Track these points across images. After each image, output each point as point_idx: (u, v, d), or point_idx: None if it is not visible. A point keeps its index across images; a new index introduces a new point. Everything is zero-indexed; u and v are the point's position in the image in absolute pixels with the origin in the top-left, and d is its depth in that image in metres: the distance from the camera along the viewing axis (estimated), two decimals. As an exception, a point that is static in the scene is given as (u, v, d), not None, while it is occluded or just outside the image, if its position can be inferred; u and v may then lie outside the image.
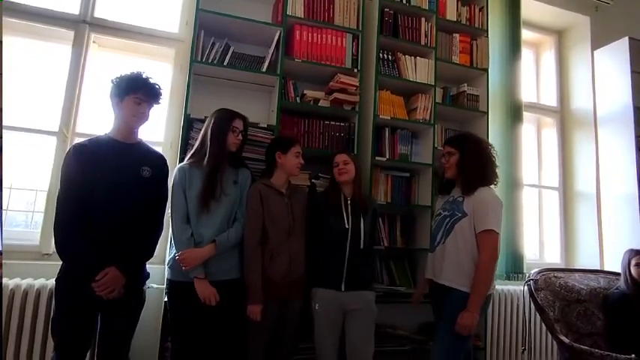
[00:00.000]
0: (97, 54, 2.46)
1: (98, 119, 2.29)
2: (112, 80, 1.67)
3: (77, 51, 2.34)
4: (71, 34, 2.35)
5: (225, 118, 1.85)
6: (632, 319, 2.21)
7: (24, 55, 2.35)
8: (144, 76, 1.68)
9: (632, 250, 2.36)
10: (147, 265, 1.75)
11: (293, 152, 1.95)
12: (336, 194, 2.02)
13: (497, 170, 1.92)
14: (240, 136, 1.88)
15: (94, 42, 2.43)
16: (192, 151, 1.87)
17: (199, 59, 2.23)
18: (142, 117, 1.68)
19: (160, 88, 1.71)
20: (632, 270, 2.30)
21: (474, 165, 1.85)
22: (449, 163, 1.93)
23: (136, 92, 1.64)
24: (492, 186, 1.90)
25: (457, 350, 1.76)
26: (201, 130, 1.90)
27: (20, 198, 2.29)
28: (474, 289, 1.72)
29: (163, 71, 2.53)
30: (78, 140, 1.75)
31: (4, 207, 2.11)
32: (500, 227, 1.79)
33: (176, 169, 1.83)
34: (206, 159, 1.78)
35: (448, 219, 1.86)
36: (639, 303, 2.23)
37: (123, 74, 1.67)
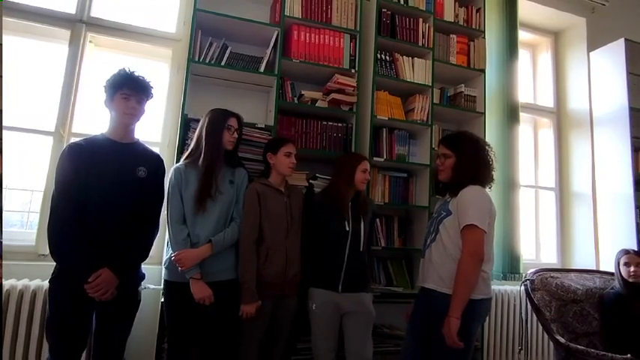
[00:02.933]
0: (93, 53, 2.45)
1: (95, 119, 2.27)
2: (104, 84, 1.67)
3: (73, 50, 2.33)
4: (67, 33, 2.34)
5: (220, 117, 1.85)
6: (627, 318, 2.22)
7: (19, 55, 2.33)
8: (127, 71, 1.67)
9: (622, 250, 2.38)
10: (144, 266, 1.74)
11: (283, 152, 1.95)
12: (340, 196, 1.99)
13: (493, 173, 1.81)
14: (235, 134, 1.87)
15: (90, 41, 2.41)
16: (187, 152, 1.86)
17: (197, 59, 2.23)
18: (133, 112, 1.66)
19: (144, 79, 1.69)
20: (622, 270, 2.32)
21: (468, 169, 1.74)
22: (444, 166, 1.81)
23: (121, 88, 1.63)
24: (486, 188, 1.78)
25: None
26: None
27: (16, 198, 2.28)
28: (454, 290, 1.59)
29: (161, 71, 2.52)
30: (74, 140, 1.73)
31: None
32: (484, 223, 1.63)
33: (172, 169, 1.83)
34: (201, 158, 1.78)
35: (435, 219, 1.78)
36: (634, 302, 2.24)
37: (110, 75, 1.67)
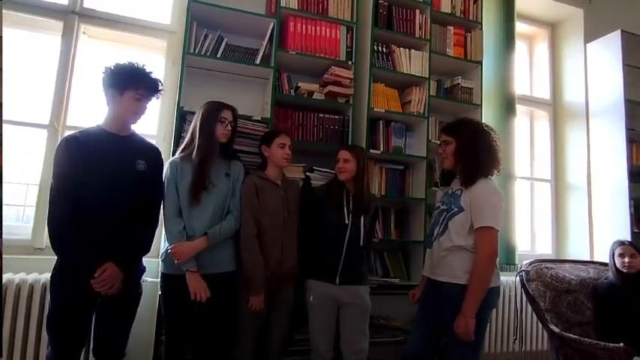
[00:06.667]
0: (87, 45, 2.42)
1: (89, 112, 2.26)
2: (109, 68, 1.59)
3: (67, 42, 2.30)
4: (60, 24, 2.31)
5: (213, 110, 1.84)
6: (620, 308, 2.25)
7: (12, 47, 2.30)
8: (146, 70, 1.62)
9: (617, 241, 2.40)
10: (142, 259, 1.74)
11: (276, 144, 1.95)
12: (338, 189, 1.99)
13: (499, 156, 1.79)
14: (229, 127, 1.86)
15: (83, 33, 2.39)
16: (183, 145, 1.86)
17: (192, 51, 2.21)
18: (141, 113, 1.65)
19: (160, 82, 1.67)
20: (616, 260, 2.34)
21: (471, 154, 1.74)
22: (445, 153, 1.82)
23: (137, 88, 1.59)
24: (495, 175, 1.79)
25: (473, 354, 1.68)
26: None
27: (11, 192, 2.26)
28: (469, 291, 1.62)
29: (156, 63, 2.49)
30: (69, 133, 1.72)
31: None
32: (499, 223, 1.67)
33: (167, 163, 1.82)
34: (195, 151, 1.77)
35: (445, 213, 1.78)
36: (627, 293, 2.27)
37: (121, 64, 1.60)
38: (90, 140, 1.58)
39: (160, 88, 1.68)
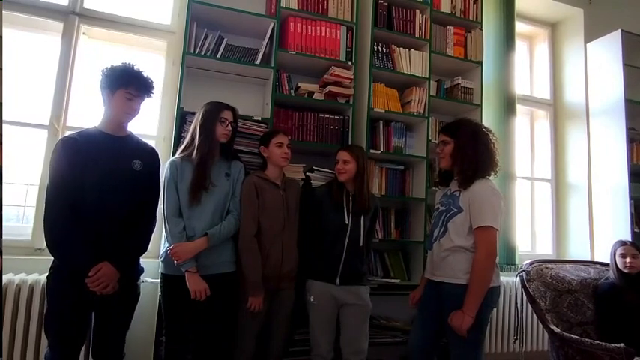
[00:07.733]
0: (87, 46, 2.42)
1: (90, 112, 2.26)
2: (103, 70, 1.62)
3: (67, 42, 2.30)
4: (60, 25, 2.31)
5: (213, 110, 1.85)
6: (621, 308, 2.25)
7: (12, 47, 2.30)
8: (136, 69, 1.63)
9: (618, 241, 2.40)
10: (141, 259, 1.74)
11: (274, 144, 1.95)
12: (338, 189, 1.99)
13: (497, 158, 1.79)
14: (229, 127, 1.86)
15: (84, 33, 2.39)
16: (183, 145, 1.86)
17: (192, 51, 2.21)
18: (133, 112, 1.65)
19: (152, 81, 1.68)
20: (617, 260, 2.34)
21: (469, 154, 1.73)
22: (443, 153, 1.82)
23: (127, 87, 1.60)
24: (492, 176, 1.79)
25: (474, 353, 1.69)
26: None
27: (12, 192, 2.26)
28: (470, 290, 1.62)
29: (155, 63, 2.49)
30: (68, 134, 1.72)
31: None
32: (498, 222, 1.67)
33: (168, 163, 1.82)
34: (195, 151, 1.78)
35: (444, 214, 1.78)
36: (628, 293, 2.27)
37: (114, 65, 1.63)
38: (87, 141, 1.58)
39: (152, 86, 1.67)
